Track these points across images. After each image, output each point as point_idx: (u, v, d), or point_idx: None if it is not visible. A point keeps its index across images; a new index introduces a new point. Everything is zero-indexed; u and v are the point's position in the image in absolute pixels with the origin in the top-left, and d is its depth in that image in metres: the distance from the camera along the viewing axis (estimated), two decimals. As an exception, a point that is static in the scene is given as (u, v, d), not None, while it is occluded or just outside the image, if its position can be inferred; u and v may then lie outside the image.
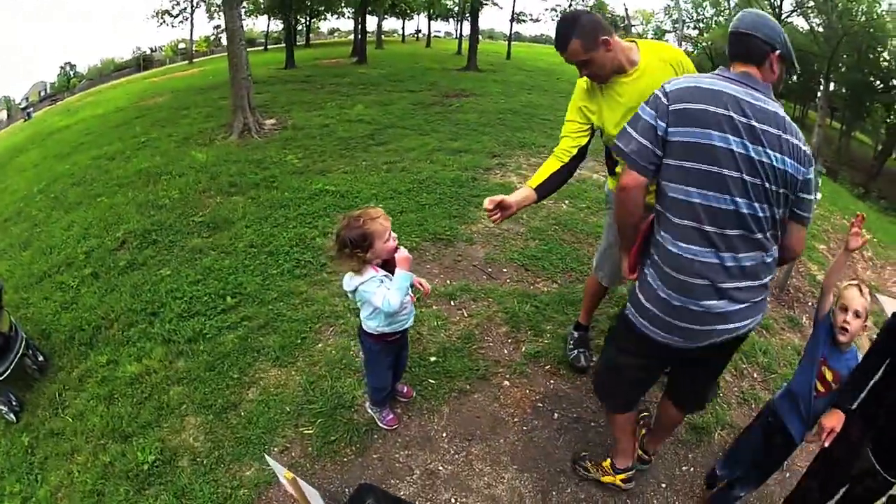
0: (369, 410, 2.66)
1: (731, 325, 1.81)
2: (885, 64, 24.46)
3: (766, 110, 1.67)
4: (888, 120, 25.28)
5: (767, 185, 1.67)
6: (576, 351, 3.06)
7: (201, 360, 3.07)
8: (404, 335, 2.52)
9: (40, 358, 3.38)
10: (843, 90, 26.60)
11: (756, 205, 1.69)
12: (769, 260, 1.80)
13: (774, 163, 1.66)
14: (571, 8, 31.45)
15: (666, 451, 2.65)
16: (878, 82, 24.90)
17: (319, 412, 2.69)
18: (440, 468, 2.47)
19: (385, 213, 2.24)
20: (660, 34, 40.12)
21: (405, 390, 2.77)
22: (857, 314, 2.03)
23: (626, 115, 2.21)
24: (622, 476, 2.41)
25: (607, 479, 2.42)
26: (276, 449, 2.52)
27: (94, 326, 3.55)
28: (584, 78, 2.31)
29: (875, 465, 2.00)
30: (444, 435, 2.63)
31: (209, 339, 3.22)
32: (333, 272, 3.73)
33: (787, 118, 1.68)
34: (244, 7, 20.45)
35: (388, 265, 2.26)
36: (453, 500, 2.33)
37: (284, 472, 2.02)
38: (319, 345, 3.12)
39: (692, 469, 2.58)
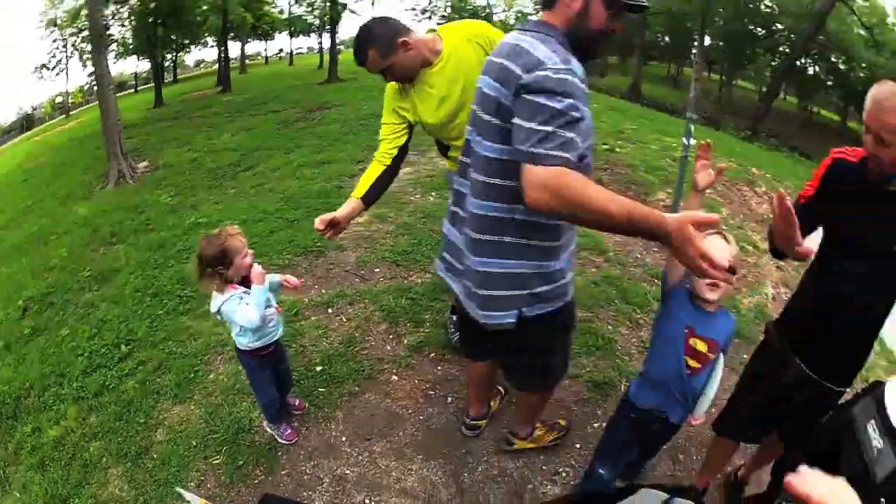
0: (268, 429, 2.76)
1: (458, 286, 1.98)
2: (767, 10, 24.71)
3: (505, 43, 1.64)
4: (773, 63, 25.64)
5: (480, 113, 1.67)
6: (458, 334, 3.13)
7: (110, 411, 3.13)
8: (277, 347, 2.59)
9: None
10: (720, 43, 26.95)
11: (478, 138, 1.70)
12: (504, 216, 1.73)
13: (482, 87, 1.67)
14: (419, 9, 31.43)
15: (573, 414, 2.87)
16: (759, 29, 25.22)
17: (223, 440, 2.78)
18: (347, 472, 2.59)
19: (239, 230, 2.35)
20: (523, 17, 40.41)
21: (297, 403, 2.90)
22: None
23: (440, 105, 2.34)
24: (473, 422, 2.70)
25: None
26: (192, 483, 2.60)
27: (15, 398, 3.56)
28: None
29: (809, 372, 2.02)
30: (344, 439, 2.75)
31: (112, 390, 3.29)
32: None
33: (522, 45, 1.55)
34: (113, 50, 20.25)
35: (248, 282, 2.33)
36: (367, 501, 2.45)
37: (199, 501, 2.07)
38: (212, 375, 3.24)
39: (604, 424, 2.75)
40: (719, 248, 1.69)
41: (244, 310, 2.27)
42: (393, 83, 2.42)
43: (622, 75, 30.75)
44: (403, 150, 2.52)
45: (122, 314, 3.94)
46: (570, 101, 1.45)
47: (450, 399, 2.96)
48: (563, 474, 2.60)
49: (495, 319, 1.85)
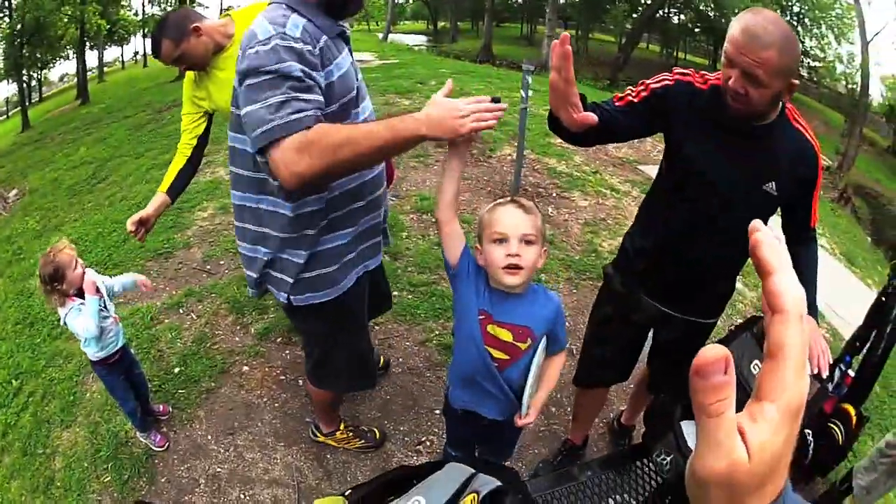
0: (142, 439, 2.88)
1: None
2: None
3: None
4: (633, 16, 24.74)
5: (232, 104, 1.67)
6: None
7: (16, 448, 3.22)
8: (125, 354, 2.67)
9: None
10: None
11: (229, 129, 1.76)
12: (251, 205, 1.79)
13: None
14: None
15: (422, 383, 2.99)
16: None
17: (108, 457, 2.89)
18: (219, 470, 2.68)
19: (69, 242, 2.44)
20: None
21: (161, 408, 2.99)
22: (527, 241, 1.49)
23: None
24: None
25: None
26: None
27: None
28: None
29: (666, 310, 1.95)
30: (210, 437, 2.85)
31: (14, 427, 3.38)
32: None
33: (253, 24, 1.50)
34: None
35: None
36: (242, 497, 2.52)
37: None
38: (87, 394, 3.33)
39: None
40: (514, 221, 1.48)
41: (81, 321, 2.35)
42: (190, 74, 2.43)
43: (477, 38, 30.29)
44: (203, 140, 2.58)
45: (8, 349, 4.00)
46: (282, 66, 1.41)
47: (301, 382, 3.05)
48: (427, 443, 2.73)
49: (276, 297, 1.93)
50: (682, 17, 26.10)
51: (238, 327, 3.52)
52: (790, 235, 1.75)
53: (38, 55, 21.50)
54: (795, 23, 22.19)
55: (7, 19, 18.13)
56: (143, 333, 3.51)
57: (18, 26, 18.11)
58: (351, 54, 1.73)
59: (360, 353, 2.19)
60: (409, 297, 3.71)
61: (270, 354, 3.26)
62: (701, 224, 1.73)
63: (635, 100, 1.70)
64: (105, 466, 2.87)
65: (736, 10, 21.33)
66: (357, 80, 1.75)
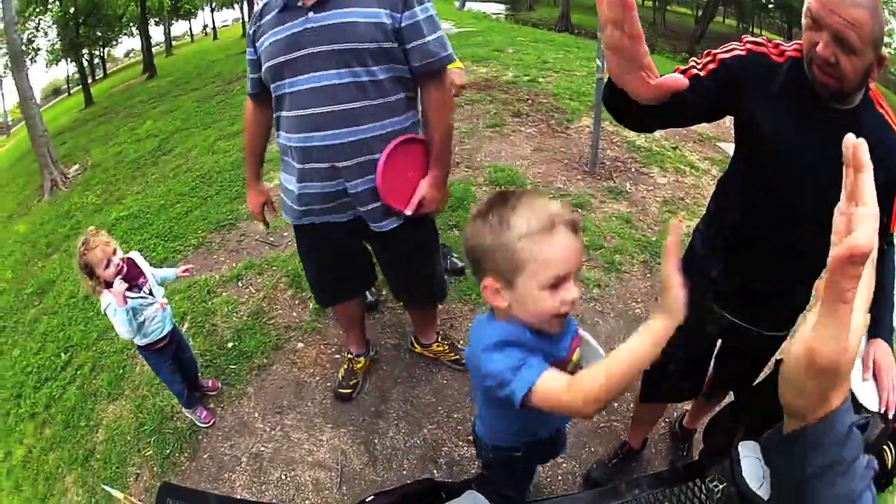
0: (188, 415, 2.77)
1: None
2: None
3: None
4: None
5: None
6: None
7: (59, 420, 3.18)
8: (172, 338, 2.57)
9: None
10: None
11: None
12: None
13: None
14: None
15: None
16: None
17: (151, 431, 2.80)
18: (262, 449, 2.57)
19: (106, 237, 2.30)
20: None
21: (210, 384, 2.88)
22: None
23: None
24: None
25: None
26: (130, 479, 2.65)
27: None
28: None
29: (733, 319, 1.73)
30: (257, 415, 2.74)
31: (58, 400, 3.33)
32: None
33: None
34: (44, 59, 20.25)
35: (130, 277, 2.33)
36: (283, 477, 2.43)
37: (117, 494, 2.17)
38: (137, 369, 3.24)
39: None
40: (569, 245, 1.05)
41: (115, 323, 2.29)
42: None
43: (555, 6, 29.15)
44: None
45: (60, 323, 3.97)
46: None
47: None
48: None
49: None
50: None
51: (297, 301, 3.39)
52: None
53: (97, 34, 22.27)
54: None
55: (58, 2, 18.78)
56: (199, 307, 3.42)
57: (72, 9, 18.90)
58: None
59: None
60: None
61: (327, 331, 3.12)
62: (781, 217, 1.48)
63: (702, 73, 1.38)
64: (148, 440, 2.78)
65: None
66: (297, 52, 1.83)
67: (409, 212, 1.98)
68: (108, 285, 2.27)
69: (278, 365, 2.96)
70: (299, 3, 1.77)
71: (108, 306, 2.28)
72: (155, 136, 8.46)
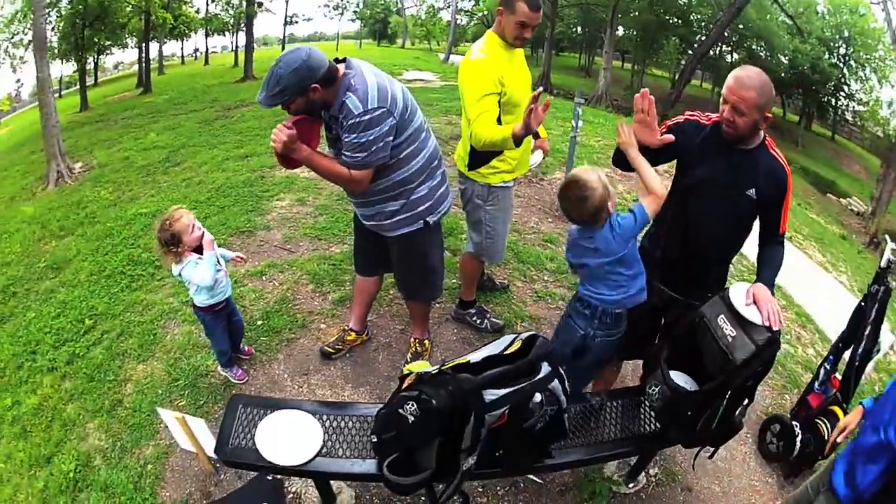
0: (223, 372, 3.19)
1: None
2: (684, 1, 24.60)
3: None
4: (688, 52, 25.17)
5: None
6: (482, 320, 3.63)
7: (82, 375, 3.43)
8: (228, 303, 3.01)
9: None
10: (633, 32, 26.77)
11: None
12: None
13: None
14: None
15: (472, 350, 3.38)
16: (674, 19, 25.07)
17: (185, 385, 3.17)
18: None
19: (186, 209, 2.74)
20: (433, 12, 40.47)
21: (246, 349, 3.34)
22: None
23: None
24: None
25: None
26: (161, 425, 2.94)
27: None
28: None
29: (672, 294, 2.34)
30: (286, 376, 3.22)
31: (82, 357, 3.61)
32: (163, 279, 4.24)
33: None
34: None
35: (201, 249, 2.75)
36: None
37: (173, 415, 2.43)
38: (168, 336, 3.62)
39: None
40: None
41: (199, 272, 2.72)
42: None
43: (535, 66, 31.28)
44: None
45: (82, 295, 4.24)
46: None
47: (371, 340, 3.52)
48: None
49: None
50: (735, 55, 25.99)
51: (317, 294, 3.92)
52: (763, 236, 2.25)
53: (98, 40, 21.71)
54: (841, 64, 22.16)
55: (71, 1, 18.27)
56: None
57: (81, 7, 18.26)
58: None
59: None
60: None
61: (346, 317, 3.60)
62: (701, 219, 2.23)
63: (663, 129, 2.27)
64: (181, 393, 3.16)
65: (785, 51, 21.56)
66: None
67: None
68: (194, 250, 2.74)
69: (304, 339, 3.50)
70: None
71: (189, 263, 2.68)
72: (162, 148, 8.76)
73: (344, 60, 2.37)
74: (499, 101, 2.73)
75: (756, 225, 2.30)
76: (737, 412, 2.01)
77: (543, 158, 3.61)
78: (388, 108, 2.30)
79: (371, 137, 2.29)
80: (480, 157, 2.94)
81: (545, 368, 1.77)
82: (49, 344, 3.84)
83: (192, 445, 2.58)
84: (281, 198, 5.62)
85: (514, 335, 1.92)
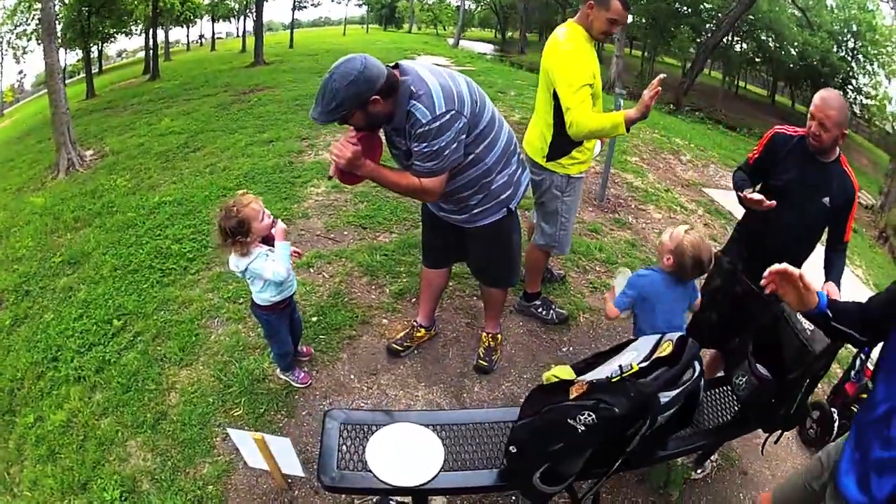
0: (282, 376, 2.88)
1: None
2: None
3: None
4: (698, 40, 24.67)
5: None
6: (548, 311, 3.50)
7: (115, 384, 3.04)
8: (291, 300, 2.71)
9: None
10: (643, 20, 26.33)
11: None
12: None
13: None
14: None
15: (540, 342, 3.28)
16: (685, 8, 24.58)
17: (240, 392, 2.83)
18: (362, 404, 2.76)
19: (252, 196, 2.44)
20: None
21: (305, 350, 3.04)
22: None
23: None
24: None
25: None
26: (217, 440, 2.62)
27: (8, 391, 3.35)
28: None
29: (753, 287, 2.37)
30: (353, 377, 2.95)
31: (114, 364, 3.21)
32: (198, 273, 3.86)
33: None
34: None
35: (268, 239, 2.47)
36: None
37: (251, 436, 2.19)
38: (213, 336, 3.27)
39: (571, 348, 3.30)
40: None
41: (271, 265, 2.42)
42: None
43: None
44: None
45: (106, 292, 3.83)
46: None
47: (439, 335, 3.26)
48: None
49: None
50: (745, 45, 26.24)
51: (373, 287, 3.60)
52: (829, 242, 2.57)
53: (103, 28, 21.43)
54: (850, 59, 22.42)
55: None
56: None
57: None
58: None
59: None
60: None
61: (408, 311, 3.38)
62: (783, 220, 2.49)
63: (754, 157, 2.67)
64: (236, 402, 2.82)
65: (795, 42, 21.89)
66: None
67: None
68: (263, 241, 2.44)
69: (367, 336, 3.19)
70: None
71: (259, 255, 2.41)
72: (178, 134, 8.32)
73: (397, 66, 2.21)
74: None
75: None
76: (808, 399, 2.20)
77: (602, 148, 3.64)
78: (457, 109, 2.17)
79: (443, 143, 2.17)
80: (560, 147, 2.92)
81: (697, 367, 1.82)
82: (73, 349, 3.44)
83: (266, 463, 2.31)
84: (315, 184, 5.24)
85: (658, 336, 1.94)
